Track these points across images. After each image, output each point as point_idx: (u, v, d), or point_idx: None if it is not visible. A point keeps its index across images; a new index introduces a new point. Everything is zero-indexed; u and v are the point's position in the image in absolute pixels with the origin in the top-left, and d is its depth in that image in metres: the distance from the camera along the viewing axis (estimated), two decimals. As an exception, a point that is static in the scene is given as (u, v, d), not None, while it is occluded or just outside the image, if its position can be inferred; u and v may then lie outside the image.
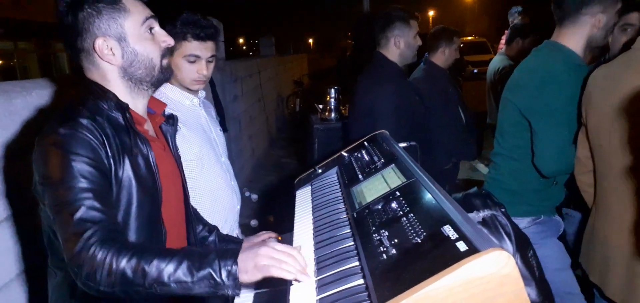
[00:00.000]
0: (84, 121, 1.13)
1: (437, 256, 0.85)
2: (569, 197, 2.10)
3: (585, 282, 1.84)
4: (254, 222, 4.56)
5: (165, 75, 1.30)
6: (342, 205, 1.40)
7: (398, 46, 2.50)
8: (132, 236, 1.20)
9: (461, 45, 3.32)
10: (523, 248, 1.28)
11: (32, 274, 1.82)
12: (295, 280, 1.06)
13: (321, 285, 1.02)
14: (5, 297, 1.69)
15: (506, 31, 4.09)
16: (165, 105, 1.47)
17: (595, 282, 1.68)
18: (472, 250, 0.80)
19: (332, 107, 4.39)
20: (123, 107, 1.22)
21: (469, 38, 18.10)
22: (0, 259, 1.68)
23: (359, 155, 1.66)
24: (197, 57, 1.82)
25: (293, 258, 1.07)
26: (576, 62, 1.82)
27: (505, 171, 2.03)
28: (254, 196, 5.38)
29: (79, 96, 1.23)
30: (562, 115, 1.78)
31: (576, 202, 2.03)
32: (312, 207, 1.51)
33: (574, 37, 1.83)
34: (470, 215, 1.20)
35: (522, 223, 1.95)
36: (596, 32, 1.81)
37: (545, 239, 1.99)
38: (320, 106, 4.48)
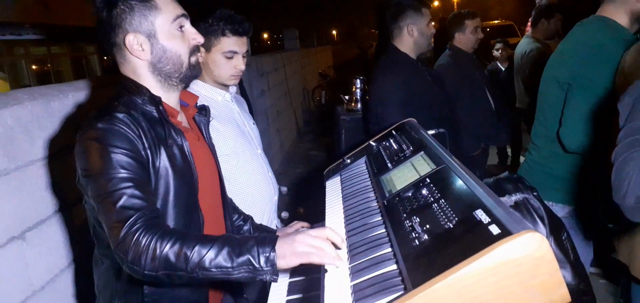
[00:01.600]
0: (120, 115, 1.17)
1: (470, 240, 0.85)
2: None
3: (619, 265, 1.80)
4: (284, 214, 4.59)
5: (194, 72, 1.34)
6: (372, 194, 1.41)
7: (412, 34, 2.47)
8: (170, 224, 1.25)
9: (478, 28, 3.26)
10: (556, 231, 1.27)
11: (78, 267, 1.91)
12: (330, 263, 1.08)
13: (354, 272, 1.04)
14: (56, 286, 1.78)
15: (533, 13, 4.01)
16: (197, 97, 1.51)
17: (624, 261, 1.65)
18: (505, 233, 0.81)
19: (358, 97, 4.40)
20: (156, 101, 1.27)
21: (496, 22, 17.69)
22: (50, 251, 1.77)
23: (387, 144, 1.67)
24: (235, 53, 1.86)
25: (328, 243, 1.10)
26: (623, 35, 1.77)
27: (549, 154, 1.97)
28: (284, 189, 5.42)
29: (114, 92, 1.28)
30: (601, 90, 1.74)
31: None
32: (342, 197, 1.53)
33: (619, 11, 1.78)
34: (502, 199, 1.20)
35: (562, 212, 1.91)
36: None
37: (579, 231, 1.95)
38: (346, 97, 4.49)
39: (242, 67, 1.89)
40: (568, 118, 1.77)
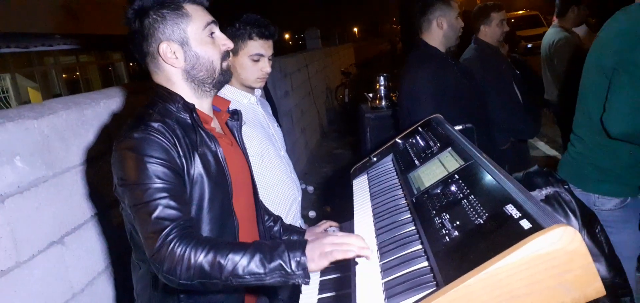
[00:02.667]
0: (155, 125, 1.20)
1: (501, 235, 0.86)
2: None
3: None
4: (312, 213, 4.63)
5: (226, 77, 1.36)
6: (400, 191, 1.42)
7: (441, 27, 2.46)
8: (205, 229, 1.27)
9: (504, 20, 3.21)
10: (590, 224, 1.25)
11: (116, 269, 1.97)
12: (358, 256, 1.10)
13: (385, 269, 1.05)
14: (95, 289, 1.85)
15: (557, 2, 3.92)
16: (229, 102, 1.54)
17: None
18: (536, 227, 0.81)
19: (382, 95, 4.38)
20: (190, 108, 1.29)
21: (521, 12, 17.36)
22: (88, 254, 1.83)
23: (414, 141, 1.67)
24: (261, 56, 1.90)
25: (355, 238, 1.11)
26: None
27: (593, 145, 1.91)
28: (310, 188, 5.46)
29: (148, 100, 1.31)
30: None
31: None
32: (370, 195, 1.54)
33: None
34: (533, 193, 1.19)
35: (609, 204, 1.86)
36: None
37: (626, 224, 1.90)
38: (370, 95, 4.48)
39: (268, 69, 1.93)
40: (613, 103, 1.71)
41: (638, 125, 1.69)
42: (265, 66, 1.91)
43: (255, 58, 1.89)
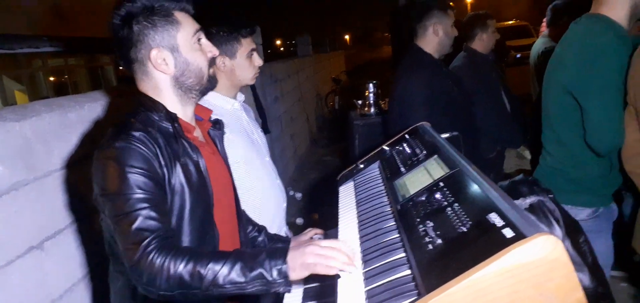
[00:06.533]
0: (137, 134, 1.18)
1: (484, 244, 0.85)
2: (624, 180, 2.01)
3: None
4: (299, 220, 4.61)
5: (212, 84, 1.36)
6: (385, 198, 1.41)
7: (437, 34, 2.48)
8: (186, 239, 1.25)
9: (496, 29, 3.25)
10: (573, 233, 1.25)
11: (94, 277, 1.93)
12: (341, 271, 1.09)
13: (368, 277, 1.04)
14: (74, 296, 1.81)
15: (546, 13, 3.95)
16: (211, 111, 1.53)
17: None
18: (519, 236, 0.80)
19: (371, 102, 4.39)
20: (172, 118, 1.28)
21: (510, 22, 17.54)
22: (64, 263, 1.79)
23: (401, 148, 1.66)
24: (253, 51, 1.96)
25: (338, 251, 1.10)
26: (621, 33, 1.74)
27: (563, 158, 1.94)
28: (298, 195, 5.45)
29: (131, 108, 1.29)
30: (613, 89, 1.70)
31: (629, 185, 1.94)
32: (355, 202, 1.53)
33: (615, 7, 1.75)
34: (517, 201, 1.19)
35: (582, 214, 1.88)
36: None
37: (599, 234, 1.91)
38: (359, 102, 4.49)
39: (261, 62, 1.99)
40: (590, 123, 1.73)
41: (621, 138, 1.71)
42: (257, 60, 1.97)
43: (250, 55, 1.94)
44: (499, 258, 0.78)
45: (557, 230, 1.17)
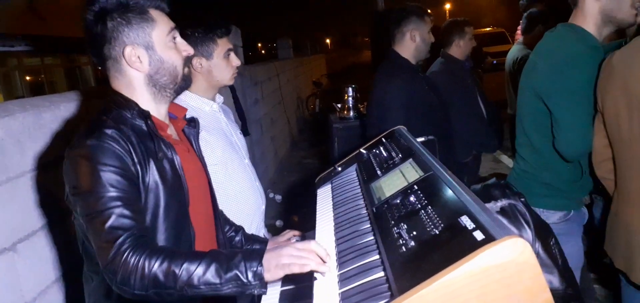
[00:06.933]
0: (110, 131, 1.17)
1: (455, 246, 0.87)
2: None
3: (612, 269, 1.82)
4: (279, 222, 4.61)
5: (187, 83, 1.36)
6: (361, 201, 1.43)
7: (414, 40, 2.52)
8: (161, 237, 1.25)
9: (473, 36, 3.31)
10: (544, 236, 1.28)
11: (68, 279, 1.90)
12: (316, 271, 1.10)
13: (343, 279, 1.05)
14: (48, 298, 1.78)
15: (521, 21, 4.03)
16: (185, 109, 1.52)
17: (621, 268, 1.66)
18: (489, 239, 0.82)
19: (350, 105, 4.42)
20: (145, 115, 1.27)
21: (488, 29, 17.84)
22: (38, 266, 1.76)
23: (377, 151, 1.68)
24: (230, 51, 1.95)
25: (312, 253, 1.11)
26: (593, 43, 1.79)
27: (535, 163, 1.98)
28: (278, 197, 5.44)
29: (103, 107, 1.28)
30: (582, 96, 1.75)
31: (599, 189, 2.00)
32: (332, 204, 1.54)
33: (584, 17, 1.80)
34: (489, 204, 1.21)
35: (553, 217, 1.93)
36: (603, 4, 1.76)
37: (570, 237, 1.97)
38: (339, 105, 4.51)
39: (238, 62, 1.98)
40: (558, 129, 1.79)
41: (588, 143, 1.76)
42: (235, 60, 1.96)
43: (227, 55, 1.93)
44: (469, 260, 0.80)
45: (528, 232, 1.20)
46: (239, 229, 1.69)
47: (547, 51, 1.90)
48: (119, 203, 1.13)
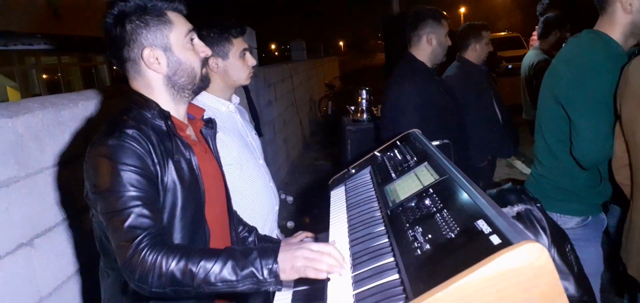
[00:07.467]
0: (130, 131, 1.19)
1: (471, 250, 0.86)
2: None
3: (625, 277, 1.80)
4: (290, 223, 4.62)
5: (205, 83, 1.38)
6: (376, 203, 1.42)
7: (430, 43, 2.51)
8: (177, 236, 1.26)
9: (489, 40, 3.28)
10: (559, 242, 1.27)
11: (84, 274, 1.93)
12: (329, 273, 1.10)
13: (357, 281, 1.05)
14: (63, 294, 1.80)
15: (537, 26, 4.00)
16: (203, 110, 1.54)
17: (634, 275, 1.64)
18: (506, 243, 0.81)
19: (364, 108, 4.41)
20: (165, 115, 1.29)
21: (503, 34, 17.70)
22: (55, 260, 1.78)
23: (392, 154, 1.68)
24: (246, 50, 1.96)
25: (328, 255, 1.11)
26: (617, 51, 1.77)
27: (553, 168, 1.97)
28: (290, 198, 5.45)
29: (123, 106, 1.30)
30: (601, 105, 1.73)
31: (616, 196, 1.97)
32: (346, 206, 1.54)
33: (612, 25, 1.78)
34: (505, 209, 1.21)
35: (571, 223, 1.91)
36: (634, 17, 1.74)
37: (589, 242, 1.95)
38: (352, 108, 4.51)
39: (254, 61, 2.00)
40: (576, 136, 1.77)
41: (605, 153, 1.74)
42: (250, 59, 1.98)
43: (242, 54, 1.95)
44: (485, 264, 0.79)
45: (544, 238, 1.19)
46: (252, 229, 1.70)
47: (570, 57, 1.88)
48: (138, 202, 1.14)
